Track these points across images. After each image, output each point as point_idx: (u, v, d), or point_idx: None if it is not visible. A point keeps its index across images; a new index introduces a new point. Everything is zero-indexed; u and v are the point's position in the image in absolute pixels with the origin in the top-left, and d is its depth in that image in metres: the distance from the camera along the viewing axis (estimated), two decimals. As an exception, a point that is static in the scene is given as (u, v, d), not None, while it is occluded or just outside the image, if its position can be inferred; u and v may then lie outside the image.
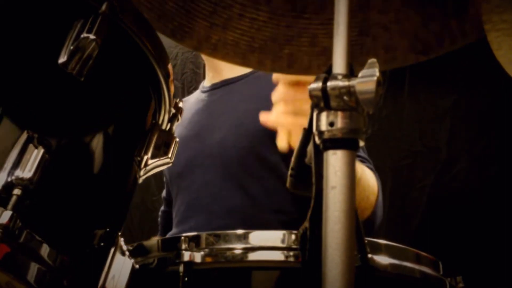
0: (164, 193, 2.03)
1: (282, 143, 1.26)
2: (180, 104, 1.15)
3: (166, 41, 1.03)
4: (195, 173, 1.74)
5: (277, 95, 1.29)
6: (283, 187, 1.60)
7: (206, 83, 1.97)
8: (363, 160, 1.65)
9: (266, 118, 1.30)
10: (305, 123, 1.26)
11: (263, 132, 1.62)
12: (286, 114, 1.26)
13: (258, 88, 1.75)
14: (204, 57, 1.95)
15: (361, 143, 0.76)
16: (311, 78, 1.25)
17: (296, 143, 1.28)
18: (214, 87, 1.90)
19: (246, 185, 1.65)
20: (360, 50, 1.00)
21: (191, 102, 1.96)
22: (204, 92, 1.94)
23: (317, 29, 1.01)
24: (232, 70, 1.85)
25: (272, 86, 1.70)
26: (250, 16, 0.99)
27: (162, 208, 2.03)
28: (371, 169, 1.63)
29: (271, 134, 1.59)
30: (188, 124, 1.85)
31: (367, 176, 1.54)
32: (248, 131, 1.67)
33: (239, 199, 1.65)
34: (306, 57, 1.03)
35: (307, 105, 1.25)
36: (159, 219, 2.04)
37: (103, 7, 0.92)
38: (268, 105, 1.63)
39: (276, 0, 0.99)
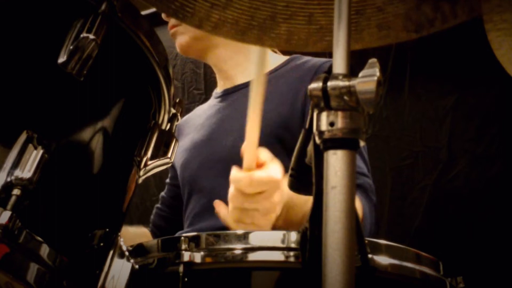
0: (163, 193, 2.02)
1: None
2: (180, 104, 1.15)
3: (166, 41, 1.03)
4: (208, 177, 1.74)
5: (230, 197, 1.29)
6: None
7: (219, 89, 1.97)
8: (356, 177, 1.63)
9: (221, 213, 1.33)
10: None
11: (272, 134, 1.63)
12: (237, 220, 1.28)
13: (267, 92, 1.75)
14: (214, 67, 1.95)
15: (362, 143, 0.75)
16: (265, 186, 1.25)
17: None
18: (226, 93, 1.90)
19: None
20: (355, 28, 1.01)
21: (204, 109, 1.97)
22: (216, 98, 1.94)
23: (314, 8, 1.02)
24: (244, 76, 1.85)
25: (280, 88, 1.72)
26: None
27: (157, 205, 2.02)
28: (360, 185, 1.61)
29: (279, 136, 1.62)
30: (200, 129, 1.86)
31: None
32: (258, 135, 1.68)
33: None
34: (303, 34, 1.04)
35: (256, 212, 1.26)
36: (151, 216, 2.02)
37: (103, 6, 0.92)
38: (276, 108, 1.67)
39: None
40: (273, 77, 1.78)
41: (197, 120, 1.90)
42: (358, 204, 1.56)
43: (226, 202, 1.65)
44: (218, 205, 1.36)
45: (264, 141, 1.64)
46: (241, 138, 1.69)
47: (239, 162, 1.66)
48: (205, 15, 1.01)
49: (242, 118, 1.75)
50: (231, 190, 1.29)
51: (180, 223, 1.87)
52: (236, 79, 1.88)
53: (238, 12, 1.01)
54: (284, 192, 1.29)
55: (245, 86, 1.82)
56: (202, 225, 1.70)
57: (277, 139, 1.63)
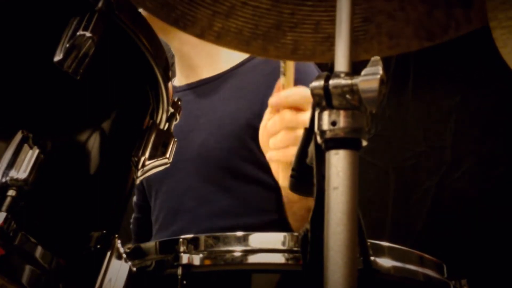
0: (135, 199, 1.92)
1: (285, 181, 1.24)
2: (179, 103, 1.14)
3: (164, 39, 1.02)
4: (176, 177, 1.68)
5: (276, 124, 1.25)
6: (269, 185, 1.57)
7: (178, 83, 1.86)
8: None
9: (270, 157, 1.29)
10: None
11: (244, 131, 1.60)
12: (289, 144, 1.23)
13: (237, 86, 1.70)
14: (177, 54, 1.82)
15: (364, 143, 0.75)
16: (307, 99, 1.25)
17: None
18: (190, 87, 1.80)
19: (232, 187, 1.62)
20: (364, 36, 0.99)
21: None
22: (177, 92, 1.81)
23: (321, 16, 1.00)
24: (209, 69, 1.76)
25: (251, 83, 1.67)
26: (253, 3, 0.98)
27: (134, 215, 1.93)
28: None
29: (253, 133, 1.54)
30: None
31: None
32: (230, 132, 1.64)
33: (225, 201, 1.62)
34: (310, 44, 1.02)
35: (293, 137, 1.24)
36: (131, 226, 1.94)
37: (100, 4, 0.91)
38: (248, 104, 1.62)
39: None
40: (241, 72, 1.72)
41: None
42: None
43: (200, 203, 1.62)
44: (271, 155, 1.29)
45: (237, 138, 1.61)
46: (210, 136, 1.66)
47: (210, 161, 1.63)
48: (207, 24, 0.99)
49: (210, 115, 1.70)
50: (282, 113, 1.24)
51: None
52: (201, 72, 1.77)
53: (242, 20, 0.99)
54: None
55: (211, 80, 1.75)
56: (174, 228, 1.64)
57: (249, 136, 1.58)
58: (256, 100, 1.61)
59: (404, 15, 0.98)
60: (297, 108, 1.23)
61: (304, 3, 1.00)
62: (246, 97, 1.65)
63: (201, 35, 1.00)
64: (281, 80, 1.28)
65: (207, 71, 1.78)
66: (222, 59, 1.75)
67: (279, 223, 1.52)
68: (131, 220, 1.95)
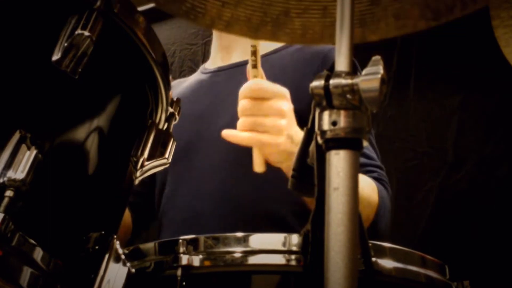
0: None
1: (257, 167, 1.37)
2: (178, 103, 1.13)
3: (164, 38, 1.01)
4: (197, 158, 1.66)
5: (238, 109, 1.36)
6: None
7: (210, 65, 1.87)
8: (370, 170, 1.58)
9: (228, 134, 1.38)
10: (266, 139, 1.31)
11: None
12: (245, 129, 1.34)
13: (266, 72, 1.69)
14: (216, 35, 1.86)
15: (365, 143, 0.74)
16: (272, 93, 1.34)
17: (269, 157, 1.34)
18: (220, 69, 1.81)
19: (254, 173, 1.59)
20: (371, 18, 0.99)
21: (189, 83, 1.87)
22: (206, 73, 1.85)
23: (328, 1, 1.01)
24: (242, 54, 1.75)
25: (279, 69, 1.66)
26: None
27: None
28: (376, 178, 1.57)
29: None
30: (186, 103, 1.78)
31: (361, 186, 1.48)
32: None
33: (247, 188, 1.59)
34: (318, 28, 1.03)
35: (267, 119, 1.31)
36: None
37: (98, 2, 0.91)
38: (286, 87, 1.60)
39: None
40: (272, 59, 1.70)
41: (181, 93, 1.79)
42: (374, 194, 1.51)
43: (222, 186, 1.60)
44: (226, 132, 1.39)
45: None
46: (236, 119, 1.63)
47: (234, 145, 1.61)
48: (217, 14, 1.00)
49: (237, 97, 1.68)
50: (241, 103, 1.35)
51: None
52: (235, 56, 1.78)
53: (250, 9, 1.00)
54: (294, 136, 1.34)
55: (240, 64, 1.71)
56: (196, 211, 1.60)
57: None
58: (286, 86, 1.59)
59: None
60: (258, 98, 1.34)
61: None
62: (281, 82, 1.62)
63: (211, 25, 1.01)
64: (250, 72, 1.40)
65: (239, 56, 1.77)
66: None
67: (300, 214, 1.49)
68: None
